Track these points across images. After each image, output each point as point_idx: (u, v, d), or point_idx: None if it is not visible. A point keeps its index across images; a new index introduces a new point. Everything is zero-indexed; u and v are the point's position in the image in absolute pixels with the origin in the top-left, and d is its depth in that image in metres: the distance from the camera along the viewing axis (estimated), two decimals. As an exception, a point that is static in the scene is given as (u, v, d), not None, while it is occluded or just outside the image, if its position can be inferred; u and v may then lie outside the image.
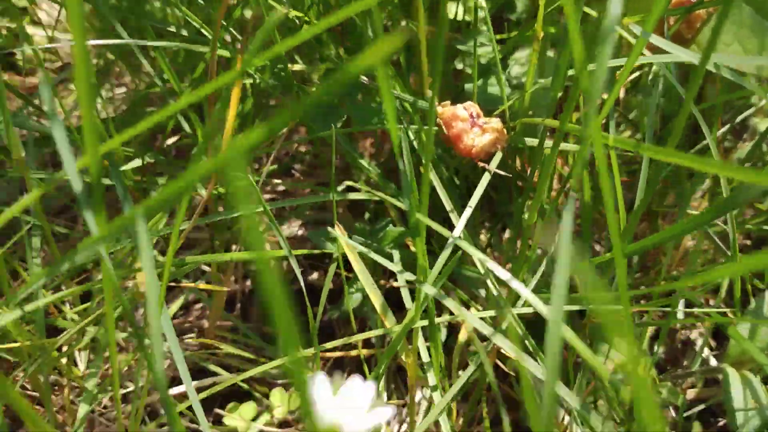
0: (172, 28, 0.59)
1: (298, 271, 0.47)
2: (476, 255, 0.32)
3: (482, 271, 0.46)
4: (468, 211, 0.49)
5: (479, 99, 0.63)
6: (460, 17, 0.72)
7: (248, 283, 0.75)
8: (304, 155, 0.78)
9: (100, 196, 0.28)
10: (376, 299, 0.47)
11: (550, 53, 0.64)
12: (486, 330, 0.41)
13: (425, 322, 0.43)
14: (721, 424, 0.63)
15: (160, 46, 0.50)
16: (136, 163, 0.55)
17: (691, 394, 0.60)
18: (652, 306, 0.53)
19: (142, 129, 0.27)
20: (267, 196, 0.77)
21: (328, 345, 0.57)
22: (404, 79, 0.62)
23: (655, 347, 0.58)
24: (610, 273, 0.55)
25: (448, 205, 0.50)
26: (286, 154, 0.82)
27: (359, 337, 0.47)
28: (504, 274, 0.33)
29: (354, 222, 0.70)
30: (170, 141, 0.71)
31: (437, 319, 0.45)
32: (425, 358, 0.46)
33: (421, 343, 0.46)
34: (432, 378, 0.43)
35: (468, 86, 0.64)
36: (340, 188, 0.73)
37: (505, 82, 0.65)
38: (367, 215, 0.72)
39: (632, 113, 0.74)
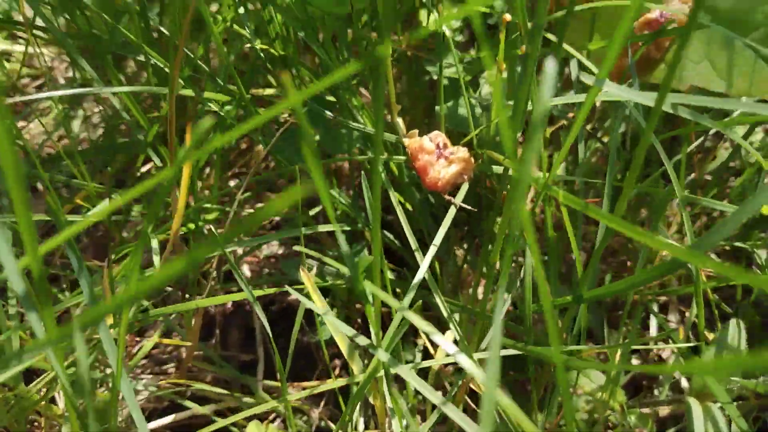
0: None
1: (262, 315, 0.47)
2: (422, 327, 0.32)
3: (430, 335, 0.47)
4: (432, 250, 0.49)
5: (448, 121, 0.63)
6: (433, 28, 0.71)
7: (229, 305, 0.76)
8: (279, 178, 0.78)
9: (46, 298, 0.28)
10: (342, 344, 0.47)
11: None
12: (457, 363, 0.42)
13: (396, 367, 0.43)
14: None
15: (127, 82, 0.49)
16: (105, 204, 0.55)
17: (664, 411, 0.61)
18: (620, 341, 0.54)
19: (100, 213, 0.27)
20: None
21: (305, 384, 0.58)
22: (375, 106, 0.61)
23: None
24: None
25: (413, 243, 0.50)
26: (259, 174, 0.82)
27: (325, 387, 0.47)
28: (450, 347, 0.33)
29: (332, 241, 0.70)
30: (144, 168, 0.71)
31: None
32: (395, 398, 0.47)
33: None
34: (396, 424, 0.44)
35: (438, 107, 0.63)
36: (313, 212, 0.73)
37: (476, 102, 0.64)
38: (337, 228, 0.72)
39: (607, 122, 0.74)
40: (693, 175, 0.74)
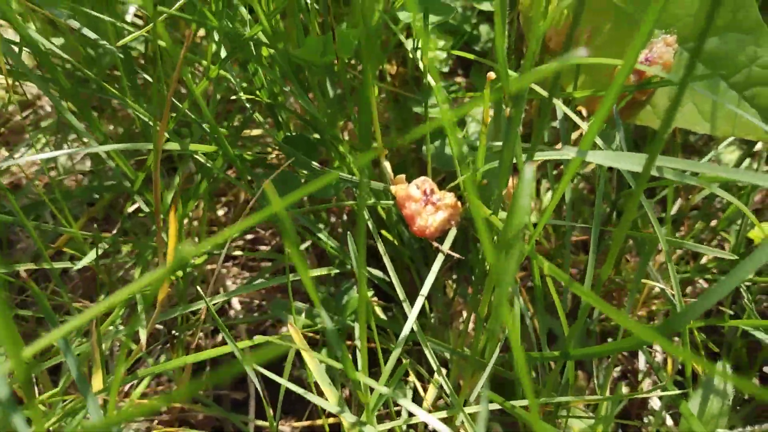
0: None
1: (252, 376, 0.47)
2: (405, 404, 0.33)
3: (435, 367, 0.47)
4: (420, 301, 0.50)
5: (435, 161, 0.63)
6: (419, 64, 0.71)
7: (218, 338, 0.76)
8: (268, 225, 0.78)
9: (33, 401, 0.28)
10: (332, 398, 0.47)
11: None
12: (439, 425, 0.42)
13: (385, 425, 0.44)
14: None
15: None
16: (92, 256, 0.55)
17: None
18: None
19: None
20: (231, 263, 0.78)
21: (295, 424, 0.58)
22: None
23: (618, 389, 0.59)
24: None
25: (401, 294, 0.51)
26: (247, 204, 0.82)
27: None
28: (437, 424, 0.33)
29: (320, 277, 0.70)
30: (131, 209, 0.71)
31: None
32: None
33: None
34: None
35: (425, 147, 0.64)
36: (304, 245, 0.73)
37: (463, 140, 0.64)
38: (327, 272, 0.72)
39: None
40: (679, 202, 0.75)
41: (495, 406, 0.45)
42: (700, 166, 0.41)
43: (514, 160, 0.47)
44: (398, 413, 0.62)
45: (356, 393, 0.42)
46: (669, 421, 0.59)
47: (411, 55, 0.72)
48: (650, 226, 0.65)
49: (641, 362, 0.66)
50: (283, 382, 0.45)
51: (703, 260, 0.74)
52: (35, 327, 0.69)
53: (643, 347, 0.65)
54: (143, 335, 0.46)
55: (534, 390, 0.52)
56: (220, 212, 0.83)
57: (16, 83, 0.66)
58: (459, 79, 0.88)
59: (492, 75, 0.45)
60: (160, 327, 0.69)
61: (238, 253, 0.67)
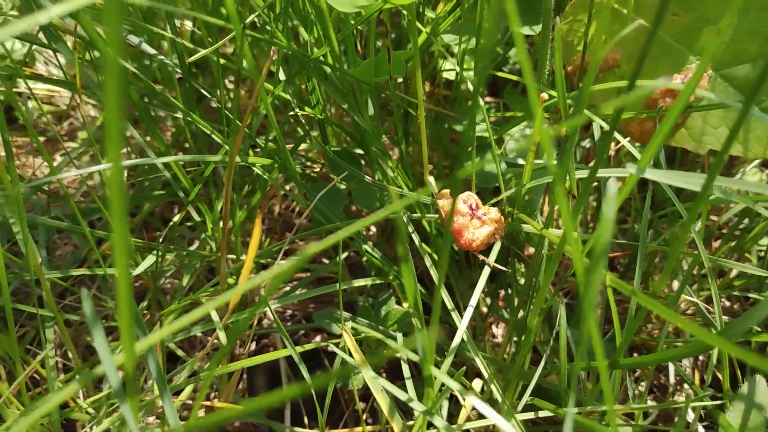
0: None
1: (304, 370, 0.48)
2: (471, 401, 0.34)
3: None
4: (469, 311, 0.51)
5: (477, 178, 0.65)
6: (456, 83, 0.74)
7: (253, 347, 0.77)
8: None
9: (134, 391, 0.29)
10: (383, 401, 0.49)
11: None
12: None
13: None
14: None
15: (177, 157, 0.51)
16: (150, 260, 0.56)
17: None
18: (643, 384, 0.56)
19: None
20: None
21: None
22: (406, 168, 0.63)
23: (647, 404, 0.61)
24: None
25: (449, 303, 0.52)
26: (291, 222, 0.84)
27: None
28: (494, 415, 0.35)
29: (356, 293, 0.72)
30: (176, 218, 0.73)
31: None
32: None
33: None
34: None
35: (468, 163, 0.66)
36: (344, 255, 0.75)
37: (502, 157, 0.67)
38: (369, 282, 0.74)
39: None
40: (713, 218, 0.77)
41: (544, 414, 0.47)
42: (751, 185, 0.43)
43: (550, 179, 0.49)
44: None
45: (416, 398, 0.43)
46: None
47: (448, 76, 0.74)
48: (685, 246, 0.67)
49: (671, 376, 0.68)
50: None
51: (726, 278, 0.76)
52: (74, 333, 0.71)
53: (678, 360, 0.66)
54: (222, 336, 0.47)
55: (576, 399, 0.54)
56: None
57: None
58: (488, 99, 0.91)
59: (545, 96, 0.48)
60: (200, 334, 0.70)
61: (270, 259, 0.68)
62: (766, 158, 0.61)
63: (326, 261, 0.79)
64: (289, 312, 0.80)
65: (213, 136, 0.52)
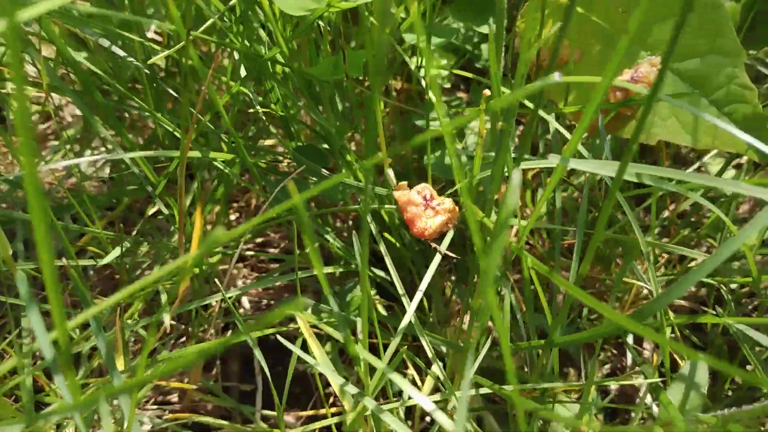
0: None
1: (262, 361, 0.51)
2: (404, 386, 0.37)
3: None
4: (418, 296, 0.54)
5: (435, 170, 0.67)
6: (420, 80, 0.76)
7: (228, 333, 0.80)
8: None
9: (69, 366, 0.32)
10: (335, 383, 0.51)
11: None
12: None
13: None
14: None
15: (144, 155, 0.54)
16: (116, 253, 0.59)
17: None
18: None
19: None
20: (242, 264, 0.82)
21: (300, 413, 0.62)
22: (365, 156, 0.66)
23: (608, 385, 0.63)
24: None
25: (400, 289, 0.55)
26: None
27: (319, 424, 0.52)
28: (428, 405, 0.37)
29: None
30: (150, 212, 0.76)
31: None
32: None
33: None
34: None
35: (426, 157, 0.68)
36: (317, 245, 0.77)
37: (462, 151, 0.69)
38: (334, 270, 0.77)
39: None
40: (666, 212, 0.79)
41: (484, 391, 0.49)
42: (680, 174, 0.45)
43: (506, 169, 0.51)
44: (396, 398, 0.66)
45: (358, 373, 0.46)
46: (656, 411, 0.63)
47: (414, 73, 0.76)
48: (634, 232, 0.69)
49: (629, 359, 0.70)
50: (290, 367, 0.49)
51: (691, 264, 0.78)
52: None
53: (625, 336, 0.69)
54: (167, 319, 0.50)
55: (520, 377, 0.56)
56: (233, 217, 0.88)
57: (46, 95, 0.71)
58: (461, 95, 0.93)
59: (487, 92, 0.50)
60: (174, 323, 0.73)
61: (249, 253, 0.71)
62: (716, 149, 0.63)
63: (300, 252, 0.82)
64: (265, 302, 0.83)
65: (175, 133, 0.54)
